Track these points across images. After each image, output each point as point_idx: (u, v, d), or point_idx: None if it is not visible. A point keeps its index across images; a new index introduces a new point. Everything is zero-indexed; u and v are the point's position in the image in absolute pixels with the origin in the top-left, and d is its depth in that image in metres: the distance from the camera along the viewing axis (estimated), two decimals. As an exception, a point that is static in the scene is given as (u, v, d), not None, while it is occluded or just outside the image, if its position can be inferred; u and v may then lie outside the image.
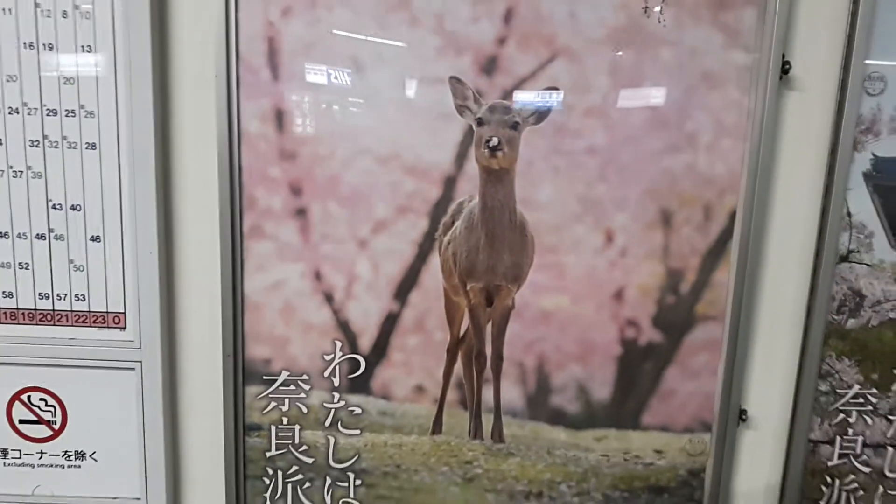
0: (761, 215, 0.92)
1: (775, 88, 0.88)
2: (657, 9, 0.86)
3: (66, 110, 0.87)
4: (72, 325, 0.92)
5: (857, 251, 0.95)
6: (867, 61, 0.89)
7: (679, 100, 0.88)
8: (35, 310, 0.91)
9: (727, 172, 0.90)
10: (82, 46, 0.85)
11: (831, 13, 0.88)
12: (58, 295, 0.91)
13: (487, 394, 0.96)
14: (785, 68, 0.88)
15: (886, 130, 0.91)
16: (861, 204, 0.93)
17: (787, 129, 0.91)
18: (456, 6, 0.86)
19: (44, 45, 0.85)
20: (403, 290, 0.93)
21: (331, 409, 0.95)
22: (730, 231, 0.92)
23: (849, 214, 0.93)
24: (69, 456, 0.96)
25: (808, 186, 0.93)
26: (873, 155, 0.92)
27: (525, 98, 0.88)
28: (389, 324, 0.93)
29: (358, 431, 0.96)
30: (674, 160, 0.90)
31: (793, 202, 0.93)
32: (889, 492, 1.02)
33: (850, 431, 1.00)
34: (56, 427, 0.95)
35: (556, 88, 0.88)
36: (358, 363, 0.94)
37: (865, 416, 0.99)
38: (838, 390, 0.98)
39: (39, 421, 0.95)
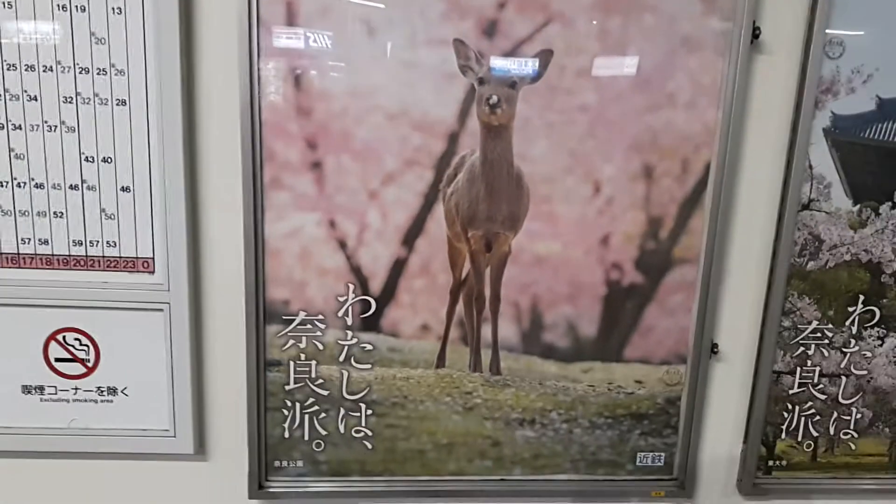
0: (732, 168, 1.02)
1: (746, 52, 0.97)
2: (642, -22, 0.95)
3: (98, 68, 0.93)
4: (104, 270, 0.99)
5: (817, 200, 1.05)
6: (828, 30, 0.98)
7: (660, 62, 0.97)
8: (69, 255, 0.98)
9: (703, 129, 1.00)
10: (113, 9, 0.91)
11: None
12: (90, 241, 0.98)
13: (486, 331, 1.06)
14: (755, 34, 0.97)
15: (844, 90, 1.02)
16: (821, 157, 1.04)
17: (756, 90, 1.01)
18: (460, -26, 0.93)
19: (76, 6, 0.91)
20: (410, 237, 1.01)
21: (344, 345, 1.04)
22: (704, 182, 1.02)
23: (810, 167, 1.04)
24: (102, 391, 1.04)
25: (775, 142, 1.03)
26: (832, 113, 1.02)
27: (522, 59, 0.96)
28: (397, 268, 1.02)
29: (369, 366, 1.05)
30: (655, 118, 0.99)
31: (761, 156, 1.03)
32: (842, 416, 1.15)
33: (809, 363, 1.12)
34: (90, 365, 1.03)
35: (550, 51, 0.96)
36: (369, 304, 1.03)
37: (822, 349, 1.11)
38: (799, 326, 1.10)
39: (74, 359, 1.02)
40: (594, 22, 0.96)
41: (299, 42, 0.94)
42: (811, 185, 1.05)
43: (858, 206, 1.06)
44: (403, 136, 0.98)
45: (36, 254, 0.98)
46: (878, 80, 1.02)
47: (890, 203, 1.07)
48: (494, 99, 0.97)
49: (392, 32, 0.94)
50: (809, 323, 1.10)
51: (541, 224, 1.03)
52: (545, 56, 0.96)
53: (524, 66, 0.96)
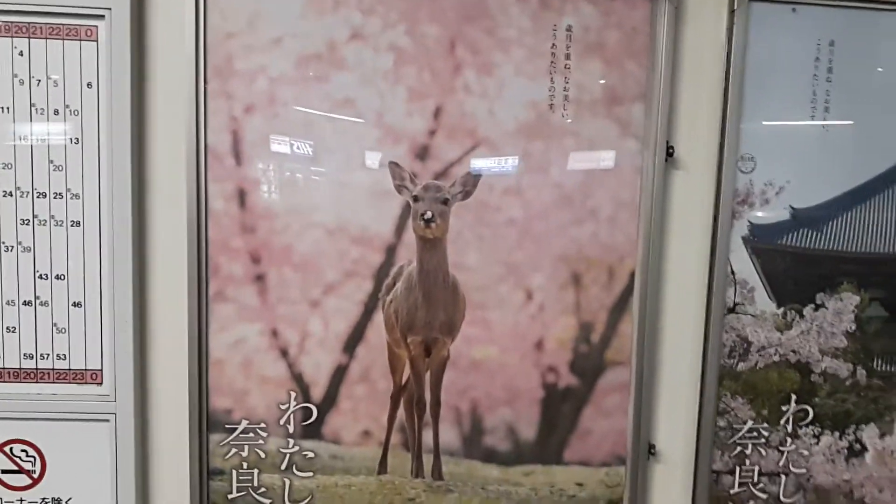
0: (656, 275, 1.08)
1: (662, 169, 1.05)
2: (561, 106, 1.03)
3: (55, 192, 1.00)
4: (53, 382, 1.03)
5: (742, 304, 1.11)
6: (740, 144, 1.07)
7: (582, 180, 1.05)
8: (20, 368, 1.02)
9: (626, 240, 1.07)
10: (71, 139, 0.99)
11: (707, 105, 1.07)
12: (41, 354, 1.02)
13: (427, 436, 1.08)
14: (669, 152, 1.06)
15: (759, 202, 1.09)
16: (742, 264, 1.10)
17: (675, 202, 1.08)
18: (393, 104, 1.02)
19: (36, 138, 0.98)
20: (351, 344, 1.06)
21: (286, 453, 1.06)
22: (631, 289, 1.08)
23: (732, 273, 1.10)
24: (47, 502, 1.05)
25: (697, 249, 1.10)
26: (749, 222, 1.09)
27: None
28: (339, 375, 1.06)
29: (311, 474, 1.07)
30: (580, 230, 1.06)
31: (685, 263, 1.10)
32: (785, 516, 1.16)
33: (748, 462, 1.14)
34: (35, 476, 1.04)
35: (478, 173, 1.04)
36: (311, 411, 1.06)
37: (759, 448, 1.14)
38: (734, 425, 1.13)
39: (21, 470, 1.04)
40: (518, 145, 1.04)
41: (243, 166, 1.01)
42: (735, 289, 1.10)
43: (783, 309, 1.11)
44: (343, 249, 1.04)
45: (-14, 368, 1.02)
46: (789, 192, 1.09)
47: (812, 305, 1.12)
48: (429, 214, 1.03)
49: (332, 157, 1.02)
50: (745, 422, 1.13)
51: (477, 330, 1.07)
52: (474, 177, 1.04)
53: (455, 186, 1.04)
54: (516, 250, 1.06)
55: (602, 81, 1.04)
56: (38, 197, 1.00)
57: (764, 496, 1.15)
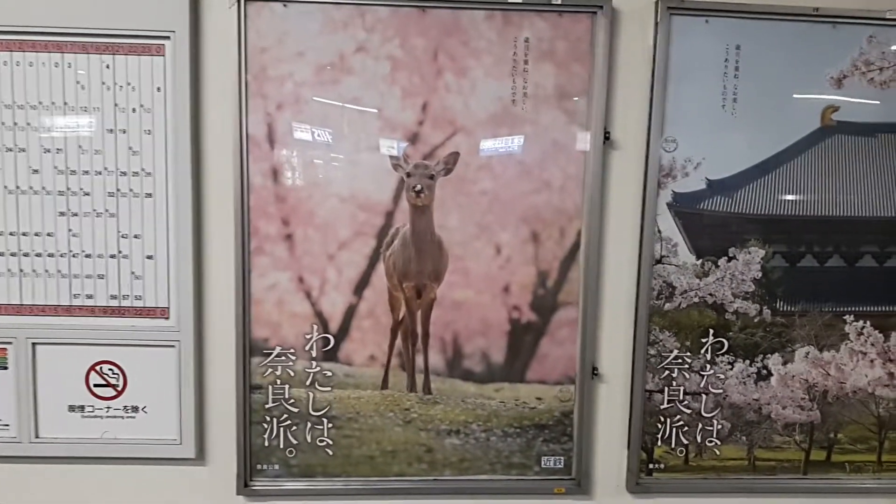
0: (598, 234, 1.36)
1: (600, 149, 1.34)
2: (521, 100, 1.32)
3: (133, 171, 1.31)
4: (133, 317, 1.34)
5: (668, 256, 1.39)
6: (664, 128, 1.35)
7: (538, 158, 1.34)
8: (108, 306, 1.34)
9: (573, 206, 1.35)
10: (145, 130, 1.30)
11: (638, 97, 1.34)
12: (123, 296, 1.34)
13: (419, 360, 1.38)
14: (606, 136, 1.34)
15: (680, 175, 1.37)
16: (667, 224, 1.38)
17: (612, 176, 1.37)
18: (390, 101, 1.31)
19: (120, 130, 1.30)
20: (359, 288, 1.36)
21: (310, 373, 1.37)
22: (578, 244, 1.36)
23: (659, 231, 1.38)
24: (128, 409, 1.37)
25: (630, 213, 1.38)
26: (672, 192, 1.37)
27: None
28: (350, 312, 1.36)
29: (329, 388, 1.38)
30: (538, 198, 1.35)
31: (621, 224, 1.38)
32: (706, 427, 1.45)
33: (674, 383, 1.43)
34: (119, 389, 1.36)
35: (457, 153, 1.33)
36: (329, 340, 1.36)
37: (684, 373, 1.43)
38: (663, 354, 1.42)
39: (108, 385, 1.36)
40: (488, 132, 1.33)
41: (276, 150, 1.31)
42: (661, 244, 1.38)
43: (701, 261, 1.40)
44: (353, 213, 1.34)
45: (84, 305, 1.33)
46: (705, 167, 1.37)
47: (726, 258, 1.40)
48: (418, 187, 1.33)
49: (344, 143, 1.32)
50: (671, 352, 1.42)
51: (458, 277, 1.37)
52: (454, 156, 1.33)
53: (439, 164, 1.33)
54: (488, 214, 1.35)
55: (553, 81, 1.33)
56: (120, 175, 1.31)
57: (688, 411, 1.44)
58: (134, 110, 1.30)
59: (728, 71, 1.35)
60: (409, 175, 1.33)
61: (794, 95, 1.37)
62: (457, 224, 1.35)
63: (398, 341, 1.38)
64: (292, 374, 1.37)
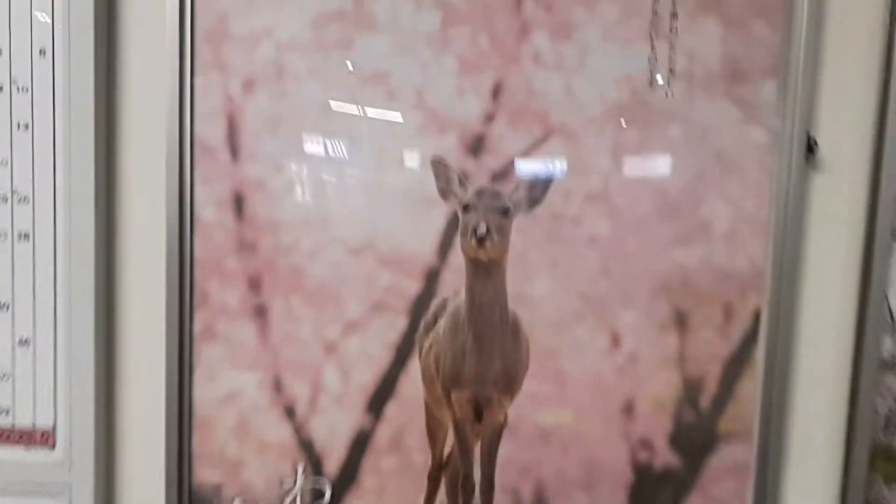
0: (789, 316, 0.80)
1: (800, 170, 0.78)
2: (665, 82, 0.77)
3: (-3, 196, 0.77)
4: (-11, 444, 0.80)
5: (906, 356, 0.83)
6: (902, 140, 0.80)
7: (691, 183, 0.79)
8: (-53, 425, 0.79)
9: (749, 266, 0.79)
10: (17, 124, 0.77)
11: (861, 83, 0.80)
12: (-25, 407, 0.79)
13: (477, 526, 0.82)
14: (810, 147, 0.79)
15: (930, 217, 0.81)
16: (906, 301, 0.82)
17: (815, 216, 0.81)
18: (438, 80, 0.77)
19: (-25, 124, 0.76)
20: (378, 402, 0.81)
21: (291, 544, 0.81)
22: (754, 334, 0.80)
23: (891, 314, 0.82)
24: None
25: (843, 282, 0.82)
26: (917, 245, 0.81)
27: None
28: (361, 443, 0.81)
29: (323, 573, 0.81)
30: (687, 252, 0.79)
31: (825, 301, 0.82)
32: None
33: (911, 571, 0.85)
34: (-37, 567, 0.81)
35: (551, 175, 0.78)
36: (322, 491, 0.81)
37: (928, 553, 0.84)
38: (893, 521, 0.84)
39: (-55, 558, 0.81)
40: (606, 135, 0.78)
41: (242, 162, 0.78)
42: (894, 337, 0.82)
43: (961, 363, 0.83)
44: (370, 273, 0.80)
45: None
46: (971, 204, 0.81)
47: None
48: (483, 229, 0.78)
49: (356, 149, 0.79)
50: (908, 517, 0.84)
51: (545, 386, 0.81)
52: (544, 181, 0.78)
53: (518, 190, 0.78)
54: (600, 278, 0.80)
55: (720, 49, 0.78)
56: (-25, 201, 0.77)
57: None
58: (1, 89, 0.77)
59: None
60: (467, 208, 0.78)
61: None
62: (546, 294, 0.80)
63: (441, 495, 0.82)
64: (259, 546, 0.81)
